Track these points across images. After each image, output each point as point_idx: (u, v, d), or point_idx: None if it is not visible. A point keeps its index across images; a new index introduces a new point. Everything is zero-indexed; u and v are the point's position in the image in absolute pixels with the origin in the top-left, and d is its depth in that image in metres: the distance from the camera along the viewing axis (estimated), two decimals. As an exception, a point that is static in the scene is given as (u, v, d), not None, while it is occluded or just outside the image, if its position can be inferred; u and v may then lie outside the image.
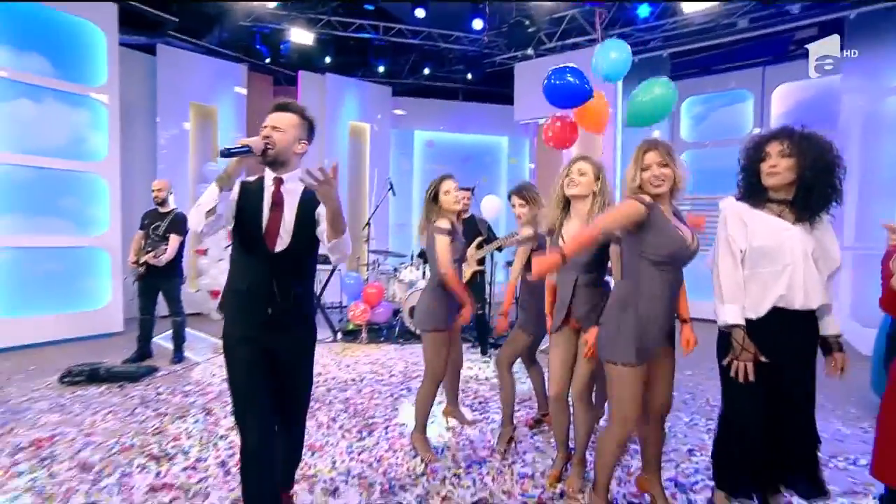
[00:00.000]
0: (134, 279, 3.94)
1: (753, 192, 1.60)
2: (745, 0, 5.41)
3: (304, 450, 2.42)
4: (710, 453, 1.86)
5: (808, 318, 1.60)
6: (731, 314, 1.58)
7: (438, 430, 2.74)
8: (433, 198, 2.35)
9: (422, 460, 2.37)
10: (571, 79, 3.09)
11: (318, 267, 6.19)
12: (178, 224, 3.92)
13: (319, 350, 4.50)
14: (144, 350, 4.04)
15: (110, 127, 5.06)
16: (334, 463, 2.35)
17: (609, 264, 2.01)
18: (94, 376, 3.46)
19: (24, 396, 3.21)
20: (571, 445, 2.21)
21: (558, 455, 2.25)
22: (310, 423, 2.78)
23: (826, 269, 1.58)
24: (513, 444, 2.54)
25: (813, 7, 5.28)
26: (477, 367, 4.06)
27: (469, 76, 7.79)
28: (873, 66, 5.01)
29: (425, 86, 8.18)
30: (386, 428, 2.78)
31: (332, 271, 5.45)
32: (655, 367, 1.78)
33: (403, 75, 7.98)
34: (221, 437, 2.59)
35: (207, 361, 4.10)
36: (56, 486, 2.10)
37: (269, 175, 1.63)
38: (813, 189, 1.51)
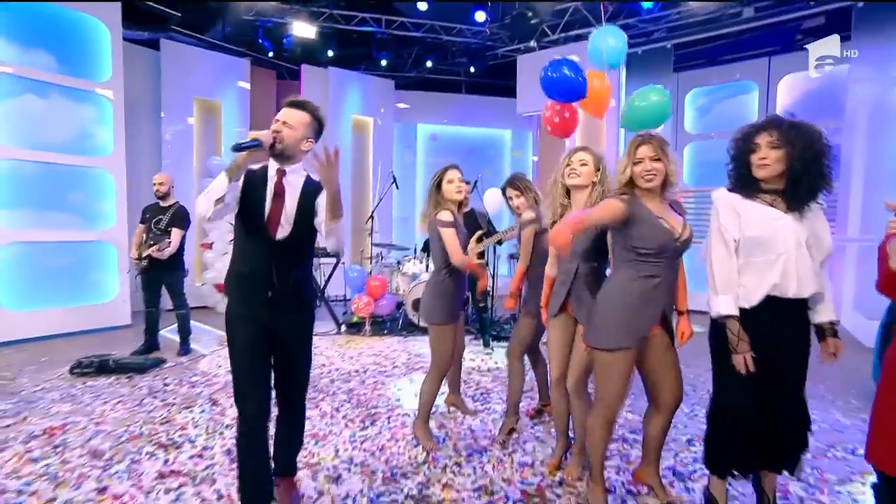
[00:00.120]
0: (136, 273, 3.98)
1: (745, 182, 1.61)
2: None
3: (308, 438, 2.48)
4: (707, 443, 1.88)
5: (801, 307, 1.62)
6: (725, 305, 1.59)
7: (440, 419, 2.78)
8: (437, 186, 2.40)
9: (423, 449, 2.41)
10: (568, 72, 3.08)
11: (323, 260, 6.18)
12: (180, 218, 3.95)
13: (324, 342, 4.61)
14: (151, 342, 4.11)
15: (115, 122, 5.10)
16: (337, 451, 2.40)
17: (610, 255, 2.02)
18: (103, 367, 3.53)
19: (36, 387, 3.28)
20: (571, 435, 2.24)
21: (558, 444, 2.29)
22: (314, 413, 2.84)
23: (819, 256, 1.59)
24: (514, 435, 2.57)
25: (820, -5, 5.21)
26: (479, 359, 4.10)
27: (472, 69, 7.76)
28: (881, 55, 4.94)
29: (428, 79, 8.16)
30: (388, 418, 2.82)
31: (336, 264, 5.50)
32: (656, 361, 1.80)
33: (406, 68, 7.97)
34: (227, 426, 2.65)
35: (213, 353, 4.16)
36: (68, 471, 2.17)
37: (272, 166, 1.70)
38: (802, 179, 1.52)
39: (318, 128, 1.72)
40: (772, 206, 1.58)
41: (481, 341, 4.48)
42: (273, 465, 1.96)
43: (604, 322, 1.72)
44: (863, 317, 4.60)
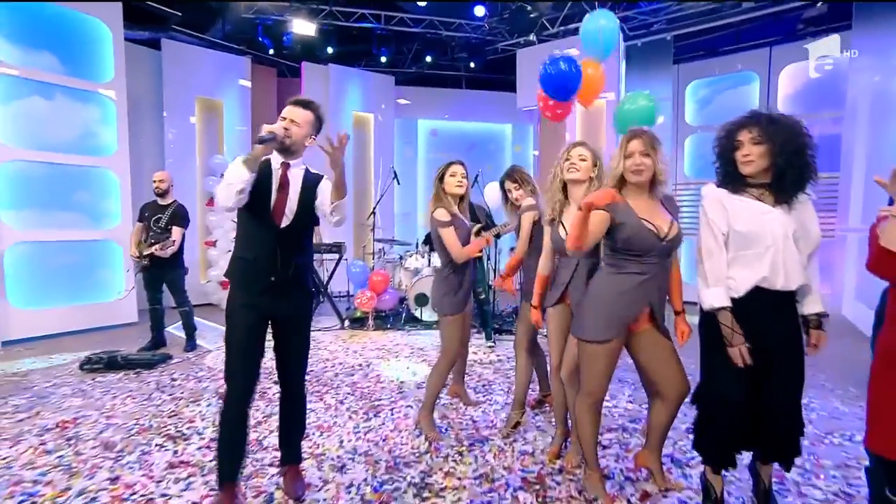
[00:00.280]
0: (137, 271, 4.01)
1: (731, 179, 1.63)
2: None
3: (313, 430, 2.54)
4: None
5: (790, 299, 1.63)
6: (717, 297, 1.61)
7: (442, 410, 2.83)
8: (440, 178, 2.48)
9: (426, 439, 2.46)
10: (564, 66, 3.14)
11: (326, 257, 6.18)
12: (180, 216, 3.97)
13: (328, 337, 4.67)
14: (158, 339, 4.17)
15: (119, 122, 5.16)
16: (342, 442, 2.45)
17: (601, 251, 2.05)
18: (112, 363, 3.60)
19: (47, 382, 3.35)
20: (571, 423, 2.28)
21: (557, 432, 2.33)
22: (318, 405, 2.90)
23: (807, 249, 1.61)
24: (518, 430, 2.57)
25: (821, -16, 5.18)
26: (482, 352, 4.15)
27: (472, 64, 7.77)
28: (883, 44, 4.91)
29: (428, 74, 8.17)
30: (391, 410, 2.87)
31: (339, 260, 5.55)
32: (647, 355, 1.83)
33: (406, 64, 7.98)
34: (234, 418, 2.70)
35: (218, 349, 4.22)
36: (81, 462, 2.23)
37: (275, 159, 1.83)
38: (787, 172, 1.53)
39: (319, 125, 1.89)
40: (759, 200, 1.60)
41: (483, 335, 4.52)
42: (280, 454, 2.02)
43: (587, 315, 1.80)
44: (864, 306, 4.61)
